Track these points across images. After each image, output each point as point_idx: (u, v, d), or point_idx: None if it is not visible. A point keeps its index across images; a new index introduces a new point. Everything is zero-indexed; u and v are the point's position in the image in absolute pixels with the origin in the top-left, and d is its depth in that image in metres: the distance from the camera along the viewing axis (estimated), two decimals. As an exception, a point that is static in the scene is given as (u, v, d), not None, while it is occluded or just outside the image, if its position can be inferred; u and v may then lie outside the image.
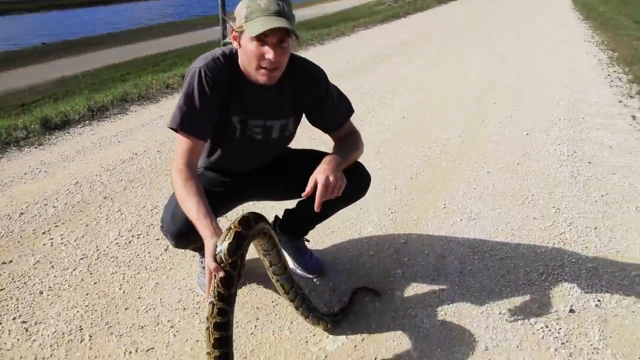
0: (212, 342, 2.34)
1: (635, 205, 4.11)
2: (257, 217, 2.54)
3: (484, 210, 4.11)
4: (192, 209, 2.40)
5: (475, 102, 7.55)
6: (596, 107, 7.00)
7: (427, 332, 2.93)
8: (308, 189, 2.52)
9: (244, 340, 2.92)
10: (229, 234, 2.32)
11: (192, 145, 2.58)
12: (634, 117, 6.50)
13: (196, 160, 2.65)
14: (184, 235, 2.69)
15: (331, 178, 2.52)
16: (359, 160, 2.96)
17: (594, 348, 2.77)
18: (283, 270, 2.77)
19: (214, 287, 2.35)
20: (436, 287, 3.27)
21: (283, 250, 2.69)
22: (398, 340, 2.89)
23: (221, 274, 2.26)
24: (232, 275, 2.33)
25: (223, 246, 2.28)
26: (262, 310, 3.14)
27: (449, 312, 3.07)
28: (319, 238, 3.79)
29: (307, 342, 2.91)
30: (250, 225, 2.46)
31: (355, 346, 2.86)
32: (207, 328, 2.36)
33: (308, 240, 3.48)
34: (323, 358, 2.79)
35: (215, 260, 2.26)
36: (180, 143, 2.60)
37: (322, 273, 3.41)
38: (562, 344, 2.81)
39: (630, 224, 3.85)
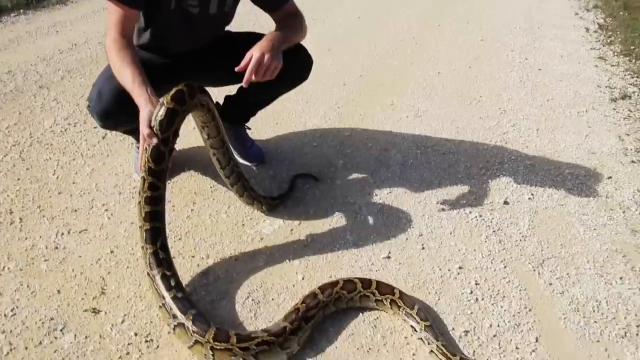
0: (143, 215, 2.34)
1: (577, 110, 4.17)
2: (193, 91, 2.41)
3: (431, 109, 4.08)
4: (128, 77, 2.28)
5: (433, 6, 7.35)
6: (553, 18, 6.95)
7: (364, 218, 2.95)
8: (243, 63, 2.41)
9: (179, 222, 2.87)
10: (161, 109, 2.26)
11: (126, 14, 2.40)
12: (587, 29, 6.50)
13: (130, 31, 2.49)
14: (110, 113, 2.57)
15: (266, 56, 2.39)
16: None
17: (522, 236, 2.87)
18: (220, 144, 2.69)
19: (145, 163, 2.32)
20: (377, 178, 3.27)
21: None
22: (335, 225, 2.90)
23: (154, 140, 2.23)
24: (162, 152, 2.31)
25: (155, 121, 2.24)
26: (199, 195, 3.07)
27: (387, 201, 3.09)
28: (262, 129, 3.69)
29: (243, 225, 2.88)
30: (184, 100, 2.35)
31: (292, 230, 2.86)
32: (139, 202, 2.36)
33: (249, 128, 3.39)
34: (259, 240, 2.78)
35: (149, 126, 2.22)
36: (113, 12, 2.40)
37: (263, 161, 3.34)
38: (494, 231, 2.89)
39: (571, 127, 3.92)
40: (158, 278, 2.23)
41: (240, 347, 1.99)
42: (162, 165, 2.34)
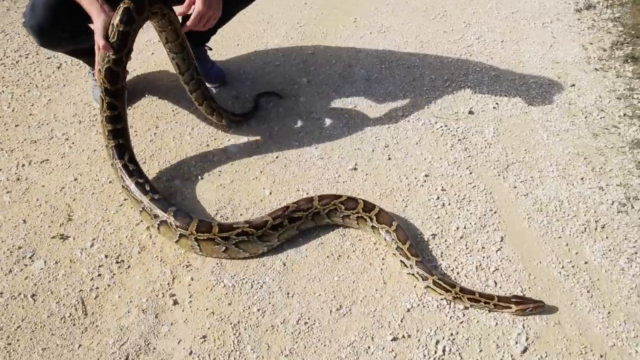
0: (107, 134, 2.39)
1: (542, 21, 4.12)
2: (141, 6, 2.31)
3: (395, 24, 3.98)
4: None
5: None
6: None
7: (329, 132, 2.92)
8: (184, 8, 2.40)
9: (143, 146, 2.80)
10: (112, 30, 2.24)
11: None
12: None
13: None
14: (45, 28, 2.41)
15: (208, 11, 2.39)
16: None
17: (487, 143, 2.88)
18: (179, 49, 2.59)
19: (101, 83, 2.32)
20: (342, 94, 3.21)
21: (184, 32, 2.48)
22: (300, 141, 2.87)
23: (111, 52, 2.23)
24: (116, 72, 2.32)
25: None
26: (162, 119, 2.98)
27: (352, 115, 3.05)
28: (223, 51, 3.56)
29: (208, 145, 2.83)
30: (132, 19, 2.27)
31: (257, 147, 2.82)
32: (102, 121, 2.40)
33: (210, 49, 3.26)
34: (225, 159, 2.73)
35: (105, 38, 2.21)
36: None
37: (225, 82, 3.24)
38: (459, 140, 2.90)
39: (535, 38, 3.88)
40: (133, 186, 2.28)
41: (222, 237, 2.12)
42: (117, 85, 2.34)
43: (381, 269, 2.21)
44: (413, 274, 2.09)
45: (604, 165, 2.74)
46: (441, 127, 2.96)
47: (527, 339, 1.96)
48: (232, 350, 1.90)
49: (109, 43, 2.21)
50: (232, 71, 3.34)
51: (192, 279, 2.14)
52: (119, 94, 2.37)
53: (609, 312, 2.05)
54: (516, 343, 1.95)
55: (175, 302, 2.05)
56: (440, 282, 2.03)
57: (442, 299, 2.07)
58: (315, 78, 3.32)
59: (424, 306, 2.05)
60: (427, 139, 2.88)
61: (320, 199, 2.30)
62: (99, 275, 2.16)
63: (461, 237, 2.34)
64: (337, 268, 2.20)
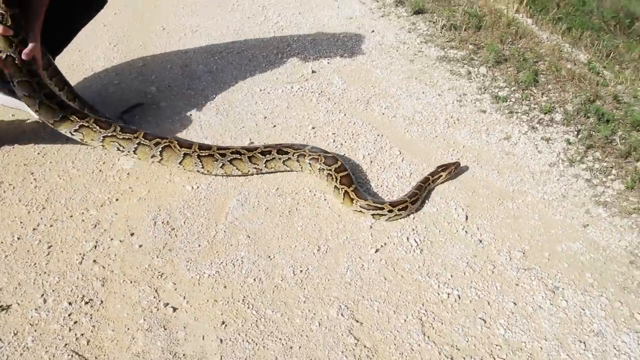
0: None
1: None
2: None
3: (202, 23, 4.16)
4: None
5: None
6: None
7: (209, 122, 3.03)
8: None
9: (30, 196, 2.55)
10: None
11: None
12: None
13: None
14: None
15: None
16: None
17: (342, 89, 3.33)
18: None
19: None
20: (195, 89, 3.32)
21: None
22: (185, 137, 2.93)
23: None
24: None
25: None
26: (33, 165, 2.72)
27: (218, 103, 3.20)
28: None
29: (100, 171, 2.70)
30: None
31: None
32: None
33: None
34: (126, 176, 2.66)
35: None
36: None
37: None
38: (320, 94, 3.29)
39: (323, 5, 4.44)
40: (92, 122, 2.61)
41: (220, 153, 2.55)
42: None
43: (329, 207, 2.47)
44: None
45: (430, 79, 3.41)
46: (299, 89, 3.30)
47: (462, 210, 2.45)
48: (256, 320, 1.99)
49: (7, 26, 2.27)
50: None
51: (174, 283, 2.13)
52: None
53: (480, 165, 2.66)
54: (458, 215, 2.43)
55: (174, 308, 2.04)
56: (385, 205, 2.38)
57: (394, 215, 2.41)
58: (162, 84, 3.36)
59: (380, 223, 2.40)
60: (294, 102, 3.19)
61: (310, 149, 2.62)
62: (75, 322, 2.00)
63: (371, 162, 2.73)
64: (294, 220, 2.40)
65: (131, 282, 2.12)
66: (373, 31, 3.98)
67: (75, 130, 2.62)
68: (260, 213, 2.43)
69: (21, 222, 2.37)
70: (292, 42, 3.83)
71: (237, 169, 2.56)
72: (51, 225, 2.36)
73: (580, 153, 2.75)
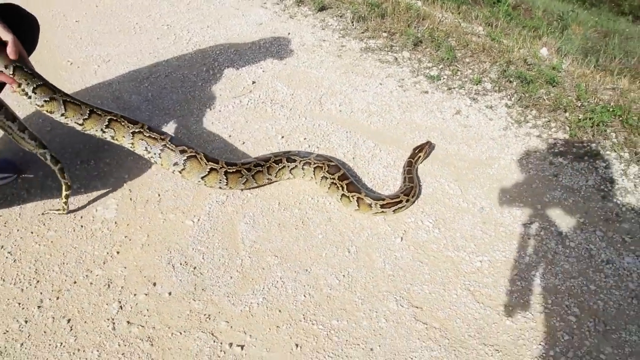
0: None
1: (218, 2, 4.64)
2: None
3: (112, 53, 3.90)
4: None
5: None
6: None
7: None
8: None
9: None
10: None
11: None
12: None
13: None
14: None
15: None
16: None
17: (290, 94, 3.37)
18: None
19: None
20: (140, 118, 3.15)
21: None
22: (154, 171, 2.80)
23: None
24: None
25: None
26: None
27: (176, 129, 3.08)
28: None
29: (83, 226, 2.49)
30: None
31: (131, 192, 2.64)
32: None
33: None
34: (114, 225, 2.49)
35: None
36: None
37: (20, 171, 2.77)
38: (271, 102, 3.29)
39: (226, 15, 4.40)
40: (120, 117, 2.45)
41: (246, 168, 2.53)
42: None
43: (337, 210, 2.55)
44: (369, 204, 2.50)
45: (366, 70, 3.59)
46: (248, 101, 3.30)
47: (454, 184, 2.68)
48: (326, 334, 2.03)
49: None
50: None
51: (227, 322, 2.08)
52: None
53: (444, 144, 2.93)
54: (453, 190, 2.64)
55: (241, 346, 2.00)
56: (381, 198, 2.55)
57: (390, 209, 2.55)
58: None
59: (389, 214, 2.53)
60: (250, 115, 3.19)
61: (316, 157, 2.65)
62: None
63: (354, 158, 2.85)
64: (313, 229, 2.45)
65: (181, 333, 2.04)
66: (289, 33, 4.05)
67: (107, 127, 2.44)
68: (275, 230, 2.44)
69: (20, 304, 2.14)
70: (216, 57, 3.77)
71: (255, 182, 2.56)
72: (57, 298, 2.16)
73: (521, 114, 3.12)
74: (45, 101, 2.32)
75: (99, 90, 3.40)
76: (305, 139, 2.96)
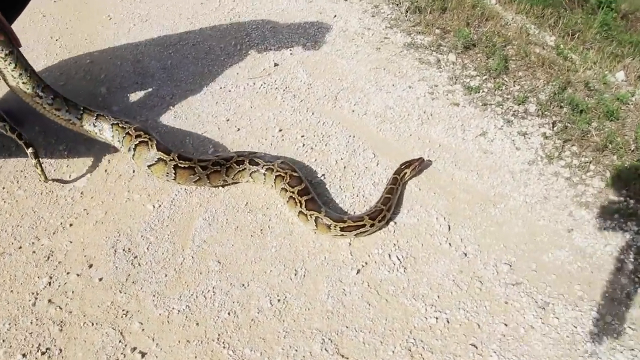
0: None
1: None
2: None
3: (152, 11, 3.84)
4: None
5: None
6: None
7: (167, 128, 2.80)
8: None
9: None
10: None
11: None
12: None
13: None
14: None
15: None
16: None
17: (307, 84, 3.13)
18: None
19: None
20: (149, 88, 3.06)
21: None
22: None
23: None
24: None
25: None
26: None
27: (176, 105, 2.95)
28: None
29: (50, 191, 2.45)
30: None
31: (106, 170, 2.56)
32: None
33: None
34: (79, 196, 2.42)
35: None
36: None
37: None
38: (284, 90, 3.08)
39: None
40: None
41: (201, 166, 2.34)
42: None
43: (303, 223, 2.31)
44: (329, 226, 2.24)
45: (399, 69, 3.24)
46: (261, 85, 3.09)
47: (444, 219, 2.34)
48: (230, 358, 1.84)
49: None
50: (23, 111, 2.85)
51: (141, 323, 1.95)
52: None
53: (465, 172, 2.55)
54: (440, 226, 2.31)
55: (143, 353, 1.86)
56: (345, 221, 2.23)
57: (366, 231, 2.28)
58: (113, 84, 3.08)
59: (359, 239, 2.26)
60: (258, 100, 2.98)
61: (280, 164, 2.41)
62: (32, 375, 1.81)
63: (345, 167, 2.57)
64: (267, 241, 2.24)
65: (93, 325, 1.94)
66: (335, 16, 3.76)
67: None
68: (230, 233, 2.26)
69: (-40, 258, 2.12)
70: (250, 31, 3.58)
71: (209, 182, 2.38)
72: (-3, 261, 2.12)
73: (557, 148, 2.67)
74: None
75: (123, 51, 3.35)
76: (302, 136, 2.73)
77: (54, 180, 2.46)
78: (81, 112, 2.47)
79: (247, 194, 2.42)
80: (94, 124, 2.49)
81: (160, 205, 2.36)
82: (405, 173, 2.40)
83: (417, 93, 3.03)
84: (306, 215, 2.20)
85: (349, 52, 3.38)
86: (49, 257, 2.16)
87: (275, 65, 3.25)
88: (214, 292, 2.04)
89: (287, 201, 2.29)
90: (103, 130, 2.48)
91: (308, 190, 2.27)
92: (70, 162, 2.56)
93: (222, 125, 2.79)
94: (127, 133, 2.42)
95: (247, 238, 2.23)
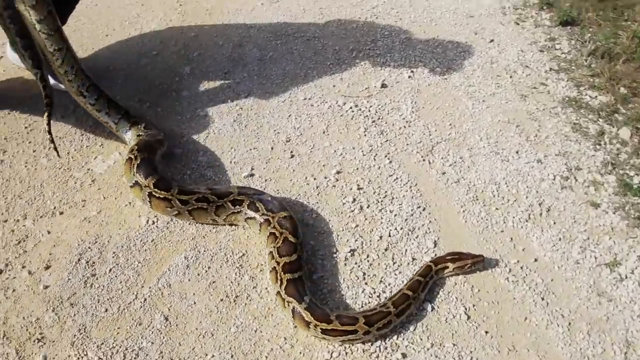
0: None
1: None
2: None
3: (289, -8, 3.43)
4: None
5: None
6: None
7: (218, 132, 2.39)
8: None
9: (-18, 180, 2.17)
10: None
11: None
12: None
13: None
14: None
15: None
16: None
17: (406, 121, 2.46)
18: None
19: None
20: (232, 80, 2.69)
21: None
22: (184, 147, 2.33)
23: None
24: None
25: None
26: (11, 141, 2.34)
27: (245, 107, 2.54)
28: (89, 44, 2.91)
29: (69, 168, 2.24)
30: None
31: (129, 162, 2.24)
32: None
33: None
34: (89, 183, 2.15)
35: None
36: None
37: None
38: (373, 122, 2.46)
39: (447, -8, 3.45)
40: None
41: (180, 200, 1.91)
42: None
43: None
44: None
45: (538, 131, 2.38)
46: (351, 107, 2.50)
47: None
48: None
49: None
50: (99, 69, 2.71)
51: (45, 358, 1.59)
52: None
53: (569, 324, 1.67)
54: (466, 382, 1.54)
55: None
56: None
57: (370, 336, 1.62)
58: (200, 65, 2.76)
59: (345, 353, 1.60)
60: (336, 125, 2.41)
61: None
62: None
63: (386, 249, 1.90)
64: (234, 315, 1.71)
65: (3, 336, 1.63)
66: (492, 41, 2.95)
67: None
68: (200, 288, 1.79)
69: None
70: (378, 38, 2.98)
71: (192, 218, 1.92)
72: (-24, 228, 1.94)
73: None
74: None
75: (233, 31, 3.04)
76: (359, 188, 2.11)
77: (72, 157, 2.24)
78: (120, 117, 2.24)
79: (251, 243, 1.91)
80: (126, 131, 2.24)
81: (153, 223, 1.99)
82: (447, 267, 1.67)
83: (546, 172, 2.17)
84: (284, 300, 1.62)
85: (483, 92, 2.60)
86: (19, 242, 1.94)
87: (383, 86, 2.63)
88: (136, 355, 1.59)
89: (270, 272, 1.73)
90: (130, 140, 2.20)
91: (298, 266, 1.68)
92: (105, 143, 2.31)
93: (277, 143, 2.31)
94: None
95: (214, 301, 1.74)
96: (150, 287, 1.79)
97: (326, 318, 1.58)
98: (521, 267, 1.82)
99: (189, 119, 2.46)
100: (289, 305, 1.63)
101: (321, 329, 1.57)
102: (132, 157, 2.01)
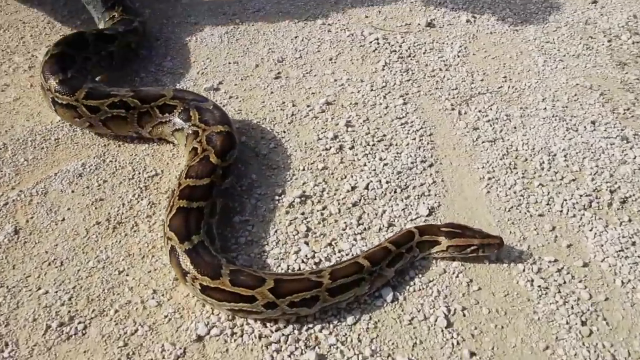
0: None
1: None
2: None
3: None
4: None
5: None
6: None
7: (202, 40, 1.89)
8: None
9: None
10: None
11: None
12: None
13: None
14: None
15: None
16: None
17: (445, 64, 1.85)
18: None
19: None
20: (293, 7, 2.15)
21: None
22: (155, 49, 1.82)
23: None
24: None
25: None
26: None
27: (246, 22, 2.00)
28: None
29: (14, 52, 1.81)
30: None
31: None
32: None
33: None
34: (24, 70, 1.72)
35: None
36: None
37: None
38: (400, 58, 1.88)
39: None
40: None
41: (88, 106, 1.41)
42: None
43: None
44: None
45: (633, 105, 1.63)
46: (377, 39, 1.91)
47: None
48: None
49: None
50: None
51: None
52: None
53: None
54: None
55: None
56: None
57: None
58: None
59: (232, 335, 0.99)
60: (349, 55, 1.82)
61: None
62: None
63: (354, 205, 1.28)
64: (103, 245, 1.15)
65: None
66: (595, 2, 2.22)
67: None
68: (82, 203, 1.25)
69: None
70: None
71: (109, 129, 1.43)
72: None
73: None
74: None
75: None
76: (347, 124, 1.50)
77: (24, 42, 1.83)
78: None
79: (174, 164, 1.35)
80: (102, 13, 1.88)
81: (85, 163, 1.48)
82: (437, 242, 1.07)
83: (631, 154, 1.47)
84: (165, 235, 1.05)
85: (564, 51, 1.90)
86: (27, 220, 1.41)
87: (429, 25, 2.00)
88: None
89: (168, 197, 1.18)
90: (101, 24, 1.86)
91: (205, 194, 1.15)
92: (68, 32, 1.87)
93: (264, 64, 1.78)
94: None
95: (88, 223, 1.23)
96: (20, 191, 1.29)
97: (213, 271, 0.99)
98: (558, 271, 1.12)
99: (176, 23, 1.98)
100: (168, 243, 1.05)
101: (201, 285, 0.97)
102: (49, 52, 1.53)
